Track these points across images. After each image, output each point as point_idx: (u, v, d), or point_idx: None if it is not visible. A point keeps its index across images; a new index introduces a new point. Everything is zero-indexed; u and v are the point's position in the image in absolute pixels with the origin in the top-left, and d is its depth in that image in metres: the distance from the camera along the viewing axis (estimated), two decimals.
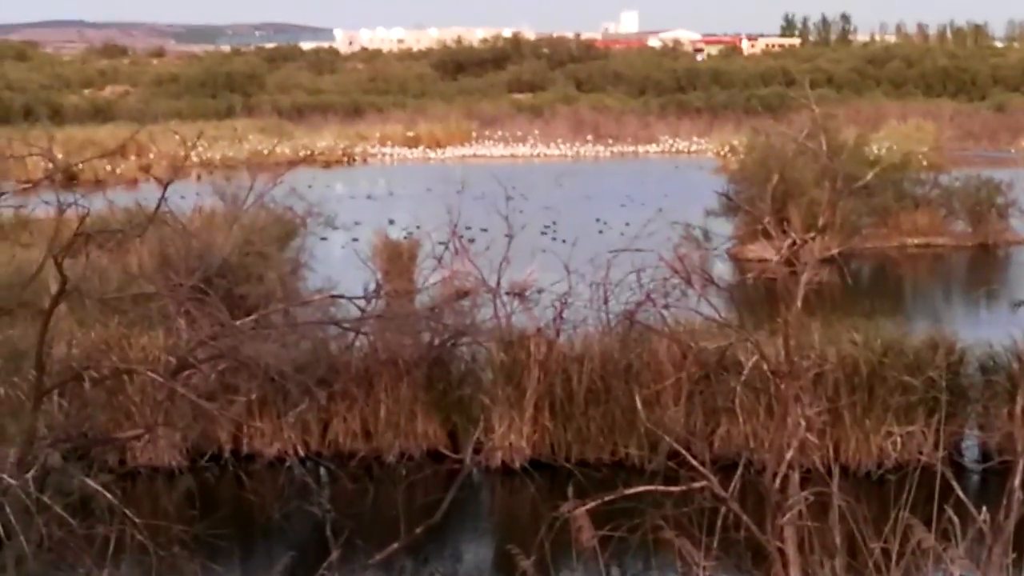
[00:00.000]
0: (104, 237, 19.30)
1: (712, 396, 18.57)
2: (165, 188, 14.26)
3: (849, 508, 8.74)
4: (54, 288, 18.07)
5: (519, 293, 22.48)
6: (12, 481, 11.39)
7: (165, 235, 22.77)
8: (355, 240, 32.41)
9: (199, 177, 18.68)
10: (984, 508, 8.90)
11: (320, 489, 16.97)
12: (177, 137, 27.94)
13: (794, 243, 10.39)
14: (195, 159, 59.92)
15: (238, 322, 17.62)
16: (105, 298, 17.95)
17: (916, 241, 40.12)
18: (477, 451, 18.70)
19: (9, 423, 12.49)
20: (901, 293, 35.66)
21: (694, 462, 9.07)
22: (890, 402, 18.42)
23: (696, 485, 9.01)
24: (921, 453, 17.65)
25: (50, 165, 17.50)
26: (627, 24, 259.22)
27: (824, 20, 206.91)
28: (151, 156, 62.48)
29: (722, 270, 32.60)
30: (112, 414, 18.28)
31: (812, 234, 10.05)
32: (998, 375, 18.83)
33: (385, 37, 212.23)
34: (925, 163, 49.10)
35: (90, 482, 12.16)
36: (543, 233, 35.49)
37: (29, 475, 11.64)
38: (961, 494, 8.81)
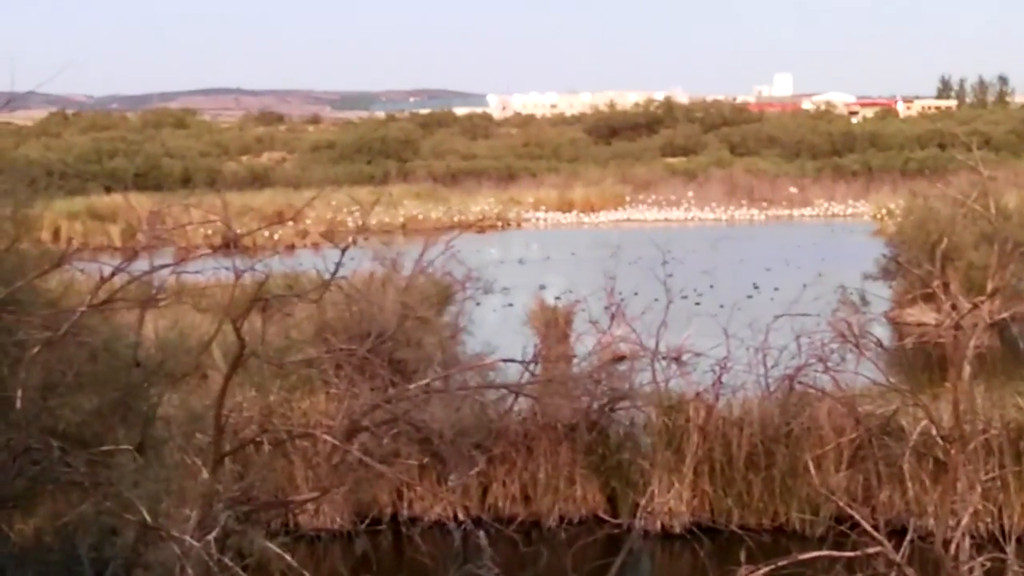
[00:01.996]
0: (280, 302, 19.70)
1: (875, 461, 18.41)
2: (343, 252, 14.59)
3: None
4: (217, 353, 18.63)
5: (677, 357, 22.46)
6: (195, 543, 11.69)
7: (325, 300, 23.17)
8: (510, 305, 32.63)
9: (354, 242, 19.13)
10: None
11: (480, 553, 17.10)
12: (351, 205, 28.31)
13: (955, 307, 10.36)
14: (351, 224, 60.81)
15: (411, 386, 17.92)
16: (280, 362, 18.33)
17: None
18: (636, 515, 18.74)
19: (189, 486, 12.84)
20: None
21: (867, 527, 9.07)
22: None
23: (870, 551, 8.99)
24: None
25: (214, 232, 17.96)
26: (781, 87, 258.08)
27: (981, 82, 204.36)
28: (307, 222, 63.39)
29: (880, 334, 32.22)
30: (280, 477, 18.62)
31: (982, 298, 10.01)
32: None
33: (538, 102, 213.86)
34: None
35: (270, 545, 12.43)
36: (697, 303, 35.49)
37: (210, 537, 11.94)
38: None
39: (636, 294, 25.24)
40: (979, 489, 9.20)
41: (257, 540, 12.31)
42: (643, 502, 18.98)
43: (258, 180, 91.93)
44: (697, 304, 32.76)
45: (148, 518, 11.90)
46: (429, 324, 23.93)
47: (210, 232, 37.98)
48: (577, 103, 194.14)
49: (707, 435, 19.09)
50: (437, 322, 25.56)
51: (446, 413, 18.47)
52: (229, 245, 16.38)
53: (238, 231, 25.02)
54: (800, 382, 19.49)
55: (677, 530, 18.87)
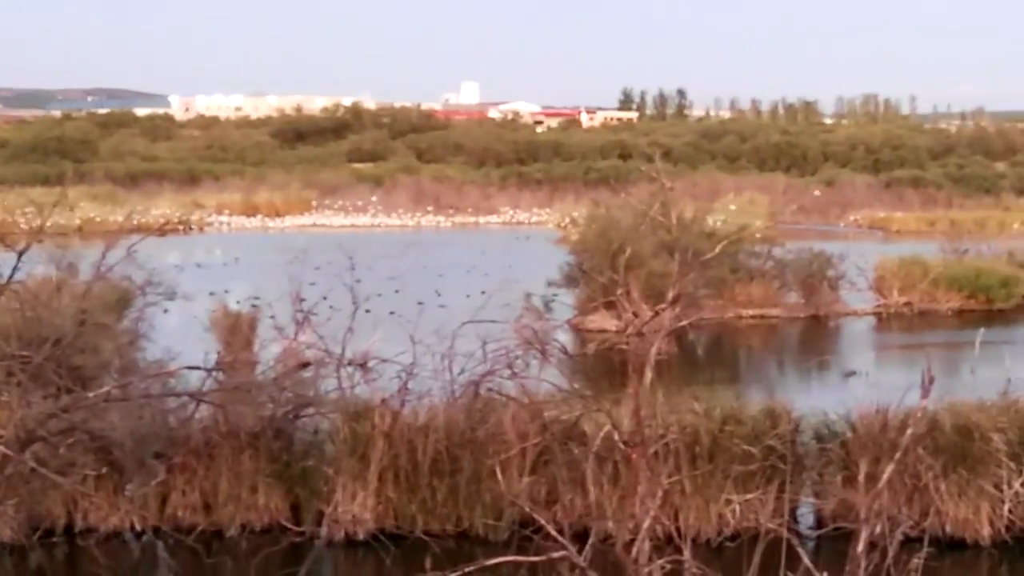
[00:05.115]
0: None
1: (559, 465, 18.67)
2: (20, 256, 13.96)
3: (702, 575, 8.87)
4: None
5: (363, 364, 22.36)
6: None
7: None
8: (192, 311, 31.98)
9: (28, 245, 18.33)
10: (825, 574, 9.08)
11: (158, 564, 16.68)
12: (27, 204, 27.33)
13: (637, 314, 10.55)
14: (24, 226, 58.70)
15: (90, 394, 17.32)
16: None
17: (751, 312, 40.88)
18: (320, 523, 18.56)
19: None
20: (737, 363, 36.29)
21: (551, 530, 9.13)
22: (730, 470, 18.70)
23: (554, 555, 9.06)
24: (760, 520, 17.99)
25: None
26: (468, 95, 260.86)
27: (661, 95, 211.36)
28: None
29: (564, 341, 32.82)
30: None
31: (663, 306, 10.22)
32: (832, 443, 19.20)
33: (223, 104, 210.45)
34: (759, 236, 50.15)
35: None
36: (392, 312, 35.45)
37: None
38: (807, 561, 8.99)
39: (325, 298, 25.03)
40: (659, 493, 9.35)
41: None
42: (327, 510, 18.80)
43: None
44: (392, 313, 32.74)
45: None
46: (108, 330, 23.24)
47: None
48: (263, 106, 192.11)
49: (393, 441, 19.03)
50: (116, 328, 24.87)
51: (125, 421, 17.96)
52: None
53: None
54: (486, 388, 19.63)
55: (361, 537, 18.74)
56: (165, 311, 32.15)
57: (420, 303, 34.71)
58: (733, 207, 65.68)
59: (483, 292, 23.62)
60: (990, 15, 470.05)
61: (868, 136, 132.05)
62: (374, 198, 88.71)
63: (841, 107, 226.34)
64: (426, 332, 20.71)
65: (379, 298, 26.94)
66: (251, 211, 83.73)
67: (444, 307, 36.37)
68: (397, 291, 39.27)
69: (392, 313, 29.71)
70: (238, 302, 34.41)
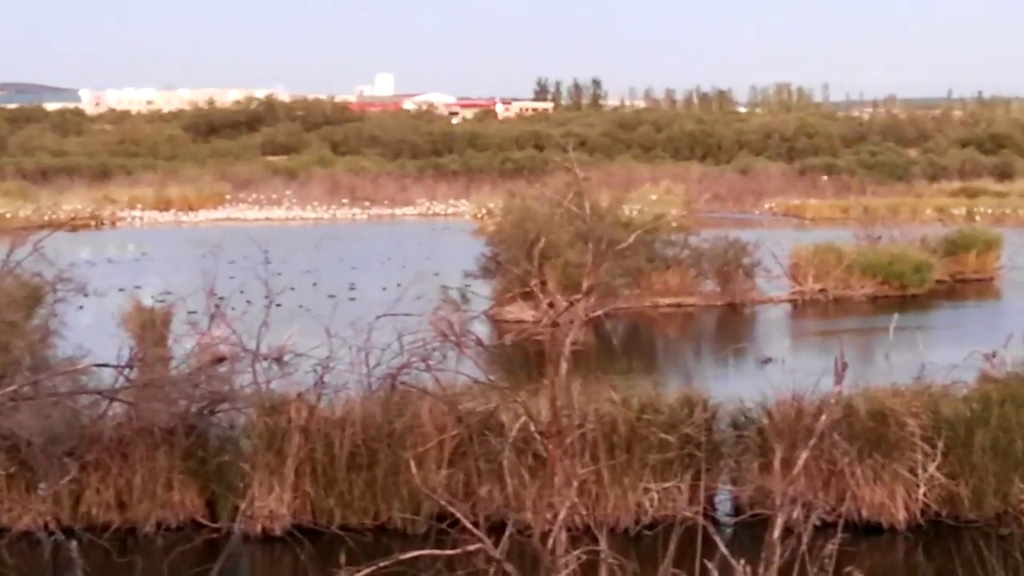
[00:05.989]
0: None
1: (476, 457, 18.62)
2: None
3: (619, 566, 8.84)
4: None
5: (278, 358, 22.20)
6: None
7: None
8: (106, 307, 31.58)
9: None
10: (743, 561, 9.08)
11: (71, 564, 16.43)
12: None
13: (552, 305, 10.52)
14: None
15: None
16: None
17: (668, 301, 41.03)
18: (236, 519, 18.39)
19: None
20: (655, 352, 36.40)
21: (468, 524, 9.07)
22: (647, 459, 18.73)
23: (470, 548, 9.00)
24: (677, 508, 18.02)
25: None
26: (382, 87, 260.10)
27: (576, 85, 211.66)
28: None
29: (481, 332, 32.79)
30: None
31: (578, 296, 10.18)
32: (749, 430, 19.31)
33: (134, 98, 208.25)
34: (675, 225, 50.35)
35: None
36: (306, 308, 35.27)
37: None
38: (723, 548, 8.99)
39: (242, 292, 24.81)
40: (575, 483, 9.32)
41: None
42: (243, 505, 18.62)
43: None
44: (300, 307, 32.52)
45: None
46: (17, 328, 22.88)
47: None
48: (175, 100, 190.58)
49: (309, 436, 18.90)
50: (26, 326, 24.49)
51: (35, 420, 17.71)
52: None
53: None
54: (402, 381, 19.54)
55: (278, 532, 18.59)
56: (80, 308, 31.76)
57: (331, 296, 34.52)
58: (654, 197, 65.92)
59: (399, 284, 23.55)
60: (899, 2, 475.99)
61: (782, 124, 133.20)
62: (288, 191, 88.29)
63: (755, 96, 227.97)
64: (342, 325, 20.58)
65: (294, 292, 26.72)
66: (164, 205, 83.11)
67: (354, 300, 36.23)
68: (315, 284, 39.08)
69: (300, 307, 29.53)
70: (152, 297, 34.03)
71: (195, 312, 24.19)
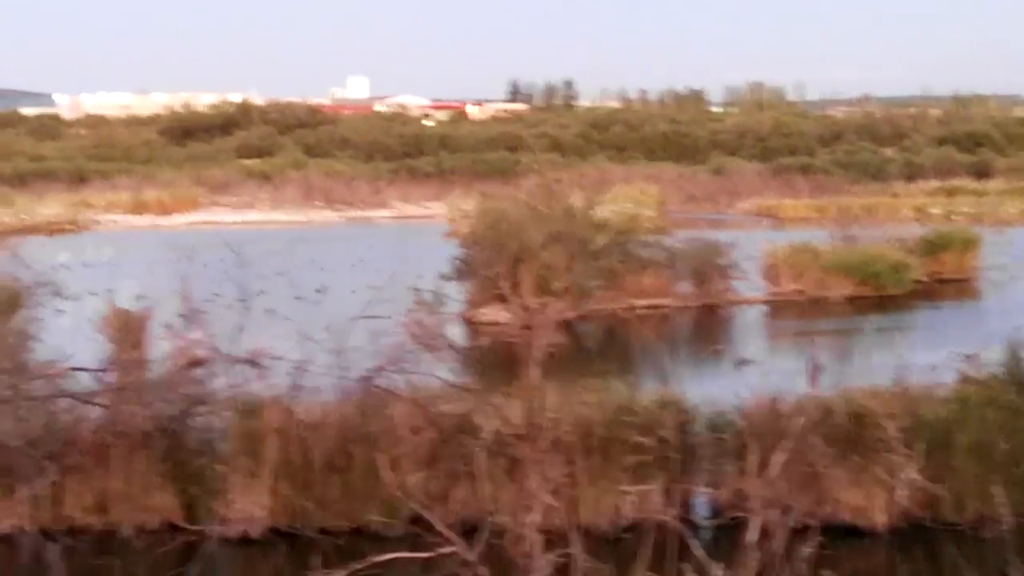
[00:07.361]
0: None
1: (451, 460, 18.63)
2: None
3: (592, 569, 8.89)
4: None
5: (254, 361, 22.21)
6: None
7: None
8: (84, 311, 31.53)
9: None
10: (719, 564, 9.14)
11: (50, 566, 16.46)
12: None
13: (526, 306, 10.55)
14: None
15: None
16: None
17: (643, 302, 40.90)
18: (214, 521, 18.40)
19: None
20: (630, 354, 36.38)
21: (441, 527, 9.11)
22: (624, 462, 18.75)
23: (445, 551, 9.04)
24: (654, 511, 18.05)
25: None
26: (355, 90, 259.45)
27: (549, 86, 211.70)
28: None
29: (456, 335, 32.83)
30: None
31: (551, 298, 10.24)
32: (725, 432, 19.29)
33: (110, 102, 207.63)
34: (650, 226, 50.34)
35: None
36: (270, 310, 35.25)
37: None
38: (699, 551, 9.05)
39: (217, 295, 24.79)
40: (550, 486, 9.36)
41: None
42: (221, 508, 18.64)
43: None
44: (271, 310, 32.54)
45: None
46: None
47: None
48: (151, 104, 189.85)
49: (286, 438, 18.93)
50: (5, 329, 24.48)
51: (14, 423, 17.73)
52: None
53: None
54: (377, 384, 19.56)
55: (255, 535, 18.63)
56: (60, 311, 31.70)
57: (297, 298, 34.47)
58: (629, 201, 65.89)
59: (373, 287, 23.55)
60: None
61: (756, 124, 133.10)
62: (263, 194, 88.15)
63: (729, 96, 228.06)
64: (318, 328, 20.59)
65: (269, 295, 26.74)
66: (140, 209, 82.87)
67: (321, 303, 36.19)
68: (293, 287, 39.02)
69: (271, 310, 29.52)
70: (129, 300, 33.94)
71: (172, 316, 24.17)
